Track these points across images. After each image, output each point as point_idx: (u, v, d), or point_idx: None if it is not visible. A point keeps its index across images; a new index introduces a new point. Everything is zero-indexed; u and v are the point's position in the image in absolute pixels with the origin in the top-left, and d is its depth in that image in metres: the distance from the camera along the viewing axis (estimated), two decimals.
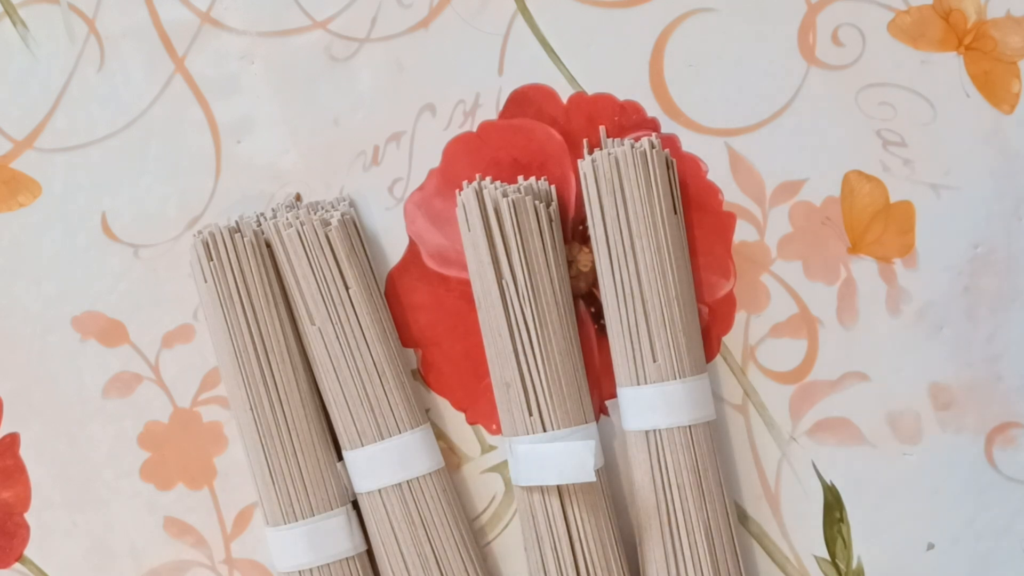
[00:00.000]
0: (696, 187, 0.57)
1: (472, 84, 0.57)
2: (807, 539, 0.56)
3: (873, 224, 0.57)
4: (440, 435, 0.57)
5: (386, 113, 0.58)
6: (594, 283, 0.56)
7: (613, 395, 0.56)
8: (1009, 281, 0.56)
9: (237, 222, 0.55)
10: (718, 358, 0.57)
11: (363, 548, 0.55)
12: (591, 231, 0.55)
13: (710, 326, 0.57)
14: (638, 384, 0.54)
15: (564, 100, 0.57)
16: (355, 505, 0.55)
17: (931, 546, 0.56)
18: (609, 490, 0.55)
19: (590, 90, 0.57)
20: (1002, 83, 0.57)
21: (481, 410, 0.57)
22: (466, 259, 0.55)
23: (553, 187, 0.56)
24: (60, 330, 0.58)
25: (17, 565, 0.57)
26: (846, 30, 0.57)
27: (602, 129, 0.57)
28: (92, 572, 0.57)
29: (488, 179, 0.55)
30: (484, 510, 0.57)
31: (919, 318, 0.56)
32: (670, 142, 0.57)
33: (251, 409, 0.54)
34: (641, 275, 0.54)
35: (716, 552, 0.53)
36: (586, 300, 0.57)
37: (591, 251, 0.56)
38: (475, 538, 0.56)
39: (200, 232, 0.54)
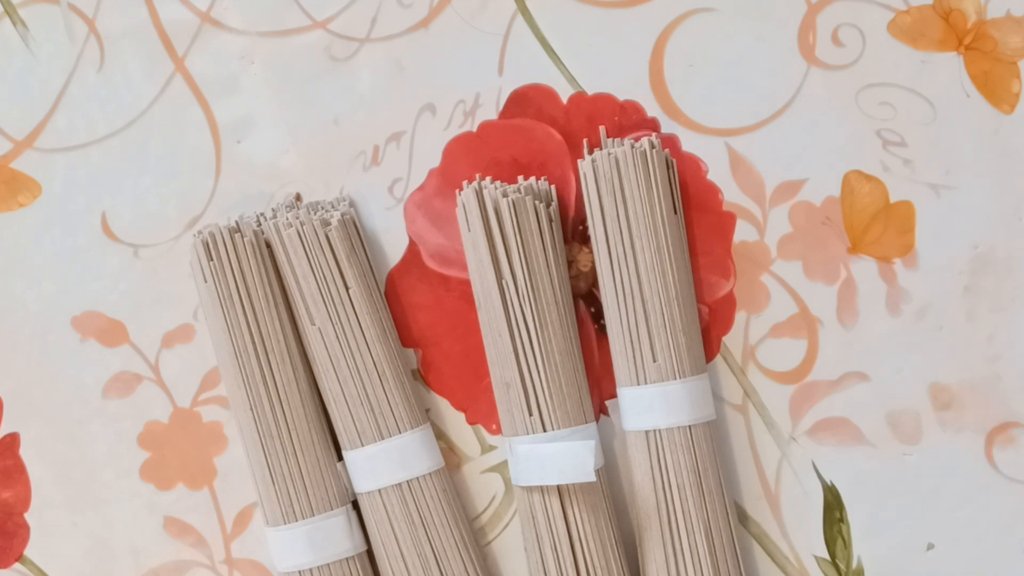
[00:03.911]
0: (696, 187, 0.57)
1: (472, 84, 0.57)
2: (807, 539, 0.56)
3: (873, 224, 0.57)
4: (440, 435, 0.57)
5: (386, 113, 0.58)
6: (594, 283, 0.56)
7: (613, 395, 0.56)
8: (1009, 281, 0.56)
9: (237, 222, 0.55)
10: (718, 358, 0.57)
11: (363, 548, 0.55)
12: (591, 231, 0.55)
13: (710, 326, 0.57)
14: (638, 384, 0.54)
15: (564, 100, 0.57)
16: (355, 505, 0.55)
17: (931, 546, 0.56)
18: (609, 490, 0.55)
19: (590, 90, 0.57)
20: (1002, 83, 0.57)
21: (481, 410, 0.57)
22: (466, 259, 0.55)
23: (553, 187, 0.56)
24: (60, 330, 0.58)
25: (17, 565, 0.57)
26: (846, 30, 0.57)
27: (602, 129, 0.57)
28: (92, 572, 0.57)
29: (488, 179, 0.55)
30: (484, 510, 0.57)
31: (919, 318, 0.56)
32: (670, 142, 0.57)
33: (251, 409, 0.54)
34: (641, 275, 0.54)
35: (716, 552, 0.53)
36: (586, 300, 0.57)
37: (591, 251, 0.56)
38: (475, 538, 0.56)
39: (200, 232, 0.54)
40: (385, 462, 0.54)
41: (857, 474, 0.56)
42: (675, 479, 0.53)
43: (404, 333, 0.57)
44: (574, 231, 0.57)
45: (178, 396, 0.57)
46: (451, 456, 0.57)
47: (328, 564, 0.54)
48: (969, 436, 0.56)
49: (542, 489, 0.53)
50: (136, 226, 0.58)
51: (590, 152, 0.55)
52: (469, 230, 0.54)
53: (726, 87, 0.57)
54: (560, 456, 0.52)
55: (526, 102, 0.57)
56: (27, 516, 0.58)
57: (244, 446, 0.55)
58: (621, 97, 0.57)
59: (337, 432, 0.55)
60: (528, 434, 0.53)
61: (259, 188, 0.58)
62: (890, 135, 0.57)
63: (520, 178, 0.56)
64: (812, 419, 0.56)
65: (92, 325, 0.58)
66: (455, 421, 0.57)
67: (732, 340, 0.57)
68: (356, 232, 0.55)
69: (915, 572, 0.56)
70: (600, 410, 0.57)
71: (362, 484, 0.54)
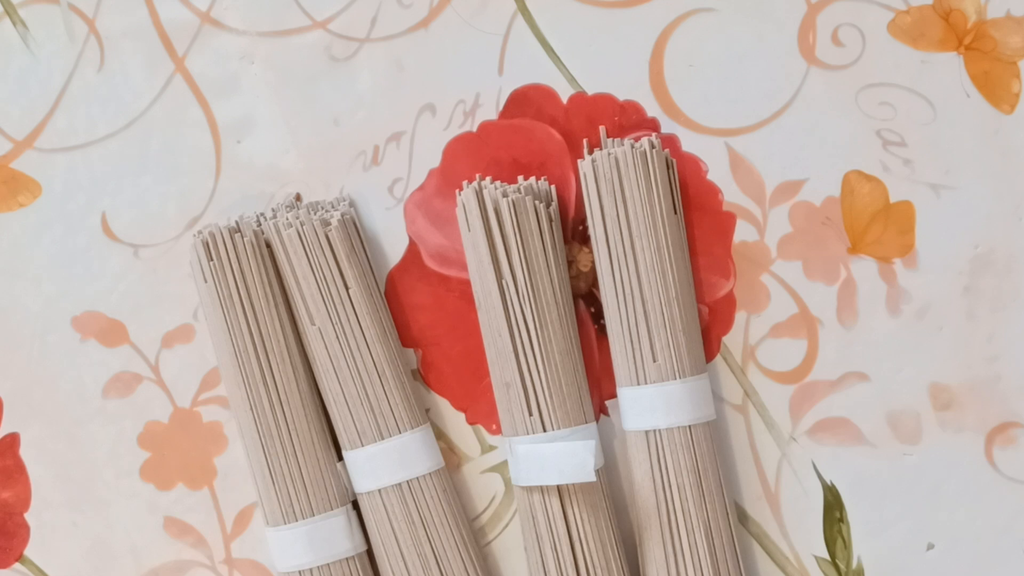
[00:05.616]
0: (696, 187, 0.57)
1: (472, 84, 0.57)
2: (807, 539, 0.56)
3: (873, 224, 0.57)
4: (440, 435, 0.57)
5: (386, 113, 0.58)
6: (594, 283, 0.56)
7: (613, 395, 0.56)
8: (1009, 281, 0.56)
9: (237, 222, 0.55)
10: (718, 358, 0.57)
11: (363, 548, 0.55)
12: (591, 231, 0.55)
13: (710, 326, 0.57)
14: (638, 384, 0.54)
15: (564, 100, 0.57)
16: (355, 505, 0.55)
17: (931, 546, 0.56)
18: (609, 490, 0.55)
19: (590, 90, 0.57)
20: (1002, 83, 0.57)
21: (481, 410, 0.57)
22: (466, 259, 0.55)
23: (553, 187, 0.56)
24: (60, 330, 0.58)
25: (17, 565, 0.57)
26: (846, 30, 0.57)
27: (602, 129, 0.57)
28: (92, 572, 0.57)
29: (488, 179, 0.55)
30: (484, 510, 0.57)
31: (919, 318, 0.56)
32: (670, 142, 0.57)
33: (251, 409, 0.54)
34: (641, 275, 0.54)
35: (716, 552, 0.53)
36: (586, 300, 0.57)
37: (591, 251, 0.56)
38: (475, 538, 0.56)
39: (200, 232, 0.54)
40: (385, 462, 0.54)
41: (857, 474, 0.56)
42: (675, 479, 0.53)
43: (404, 333, 0.57)
44: (574, 231, 0.57)
45: (178, 396, 0.57)
46: (451, 456, 0.57)
47: (328, 564, 0.54)
48: (969, 436, 0.56)
49: (542, 489, 0.53)
50: (136, 226, 0.58)
51: (590, 152, 0.55)
52: (469, 230, 0.54)
53: (726, 87, 0.57)
54: (560, 456, 0.52)
55: (526, 102, 0.57)
56: (27, 516, 0.58)
57: (244, 446, 0.55)
58: (621, 97, 0.57)
59: (337, 432, 0.55)
60: (528, 434, 0.53)
61: (259, 188, 0.58)
62: (890, 135, 0.57)
63: (520, 178, 0.56)
64: (812, 419, 0.56)
65: (92, 325, 0.58)
66: (455, 421, 0.57)
67: (732, 340, 0.57)
68: (356, 232, 0.55)
69: (915, 572, 0.56)
70: (600, 410, 0.57)
71: (362, 484, 0.54)
